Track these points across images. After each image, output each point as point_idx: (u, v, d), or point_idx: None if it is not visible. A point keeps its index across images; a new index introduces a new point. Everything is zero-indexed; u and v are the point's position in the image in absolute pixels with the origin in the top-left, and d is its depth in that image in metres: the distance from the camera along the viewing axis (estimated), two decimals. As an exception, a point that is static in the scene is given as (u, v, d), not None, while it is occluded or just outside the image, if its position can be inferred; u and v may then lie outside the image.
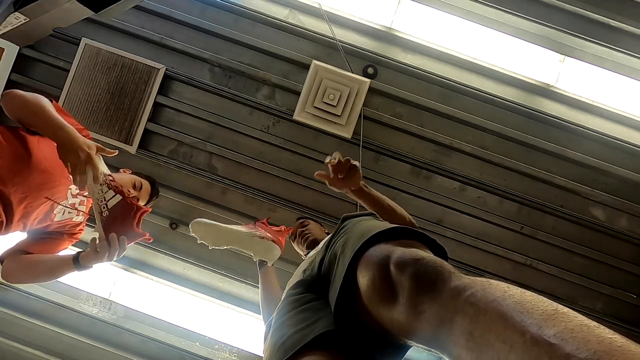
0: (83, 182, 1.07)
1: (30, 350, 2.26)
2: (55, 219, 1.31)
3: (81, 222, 1.42)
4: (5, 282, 1.76)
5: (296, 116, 2.26)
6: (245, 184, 2.30)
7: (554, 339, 0.37)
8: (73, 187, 1.30)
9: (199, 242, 1.42)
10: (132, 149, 2.26)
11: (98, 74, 2.24)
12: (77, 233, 1.43)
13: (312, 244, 1.54)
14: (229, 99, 2.30)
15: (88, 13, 1.48)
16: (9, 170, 1.14)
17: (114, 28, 2.29)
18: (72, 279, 2.27)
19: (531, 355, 0.38)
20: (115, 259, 1.15)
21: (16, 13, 1.37)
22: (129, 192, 1.47)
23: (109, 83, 2.24)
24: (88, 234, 1.43)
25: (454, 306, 0.50)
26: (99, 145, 1.14)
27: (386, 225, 0.82)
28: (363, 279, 0.66)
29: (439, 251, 0.74)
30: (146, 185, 1.56)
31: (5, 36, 1.49)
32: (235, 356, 2.28)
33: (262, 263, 1.51)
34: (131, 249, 2.28)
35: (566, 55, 2.26)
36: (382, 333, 0.64)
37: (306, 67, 2.23)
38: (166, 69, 2.25)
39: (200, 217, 1.47)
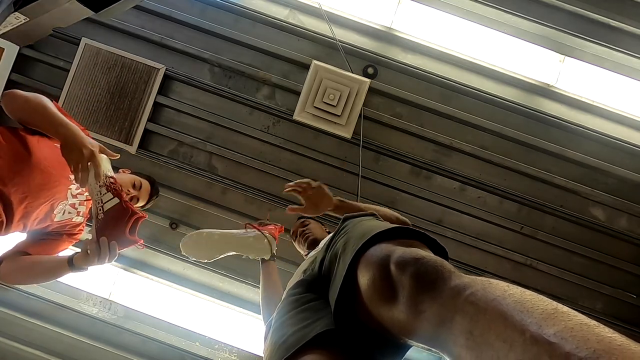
0: (85, 180, 1.07)
1: (30, 350, 2.26)
2: (55, 219, 1.30)
3: (81, 223, 1.42)
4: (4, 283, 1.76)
5: (296, 116, 2.26)
6: (245, 184, 2.30)
7: (554, 337, 0.37)
8: (73, 187, 1.30)
9: (193, 259, 1.40)
10: (132, 149, 2.26)
11: (98, 74, 2.24)
12: (76, 234, 1.43)
13: (312, 244, 1.54)
14: (229, 99, 2.30)
15: (88, 13, 1.48)
16: (9, 170, 1.14)
17: (114, 28, 2.29)
18: (72, 279, 2.28)
19: (531, 354, 0.38)
20: (106, 263, 1.12)
21: (16, 13, 1.37)
22: (129, 192, 1.48)
23: (109, 83, 2.24)
24: (87, 234, 1.43)
25: (454, 305, 0.50)
26: (101, 146, 1.14)
27: (387, 225, 0.82)
28: (363, 279, 0.66)
29: (440, 251, 0.74)
30: (146, 184, 1.56)
31: (5, 36, 1.50)
32: (235, 356, 2.28)
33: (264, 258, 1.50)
34: (131, 249, 2.28)
35: (566, 55, 2.26)
36: (382, 332, 0.64)
37: (306, 67, 2.24)
38: (166, 69, 2.25)
39: (192, 231, 1.45)
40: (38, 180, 1.19)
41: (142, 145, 2.29)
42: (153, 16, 2.29)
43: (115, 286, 2.36)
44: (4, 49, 2.24)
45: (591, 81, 2.27)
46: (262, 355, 0.95)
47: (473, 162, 2.28)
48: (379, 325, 0.64)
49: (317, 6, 2.24)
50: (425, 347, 0.57)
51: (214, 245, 1.36)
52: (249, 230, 1.44)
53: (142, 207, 1.59)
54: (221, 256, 1.39)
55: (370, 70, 2.27)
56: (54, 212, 1.28)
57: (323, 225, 1.81)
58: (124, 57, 2.24)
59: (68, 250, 1.36)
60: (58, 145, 1.09)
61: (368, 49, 2.27)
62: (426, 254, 0.61)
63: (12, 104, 1.17)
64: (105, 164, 1.13)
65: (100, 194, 1.10)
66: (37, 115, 1.15)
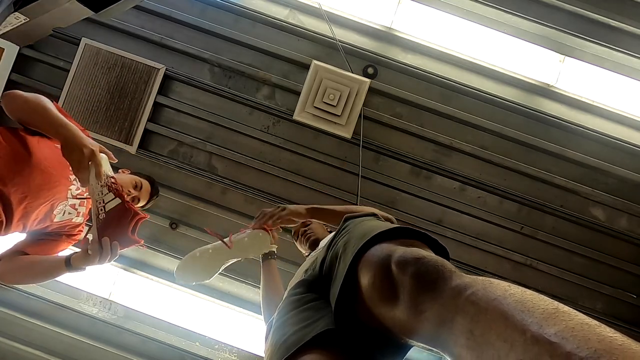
0: (86, 179, 1.07)
1: (30, 350, 2.26)
2: (55, 220, 1.30)
3: (81, 224, 1.42)
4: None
5: (296, 116, 2.26)
6: (245, 184, 2.30)
7: (555, 337, 0.37)
8: (73, 187, 1.30)
9: (194, 284, 1.37)
10: (132, 149, 2.26)
11: (98, 74, 2.24)
12: (76, 234, 1.43)
13: (314, 244, 1.54)
14: (229, 99, 2.30)
15: (88, 13, 1.48)
16: (9, 170, 1.14)
17: (114, 28, 2.29)
18: (72, 279, 2.28)
19: (532, 354, 0.38)
20: (106, 263, 1.13)
21: (16, 13, 1.37)
22: (130, 192, 1.48)
23: (109, 83, 2.24)
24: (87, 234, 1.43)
25: (455, 305, 0.50)
26: (101, 146, 1.14)
27: (388, 225, 0.82)
28: (364, 279, 0.66)
29: (441, 251, 0.74)
30: (146, 185, 1.57)
31: (5, 36, 1.49)
32: (235, 356, 2.28)
33: (265, 256, 1.48)
34: (131, 249, 2.28)
35: (566, 55, 2.26)
36: (383, 332, 0.64)
37: (306, 67, 2.24)
38: (166, 69, 2.25)
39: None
40: (38, 180, 1.19)
41: (142, 145, 2.29)
42: (153, 16, 2.29)
43: (115, 286, 2.36)
44: (4, 49, 2.24)
45: (591, 81, 2.27)
46: (263, 355, 0.95)
47: (473, 162, 2.28)
48: (380, 325, 0.64)
49: (317, 6, 2.24)
50: (426, 347, 0.57)
51: (211, 259, 1.32)
52: (239, 233, 1.41)
53: (142, 207, 1.59)
54: (221, 269, 1.35)
55: (370, 70, 2.27)
56: (54, 213, 1.28)
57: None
58: (124, 57, 2.24)
59: (67, 251, 1.36)
60: (58, 146, 1.09)
61: (368, 49, 2.27)
62: (427, 253, 0.61)
63: (12, 105, 1.17)
64: (105, 164, 1.13)
65: (102, 194, 1.10)
66: (36, 115, 1.14)
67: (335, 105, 2.22)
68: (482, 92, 2.25)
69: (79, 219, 1.39)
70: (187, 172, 2.30)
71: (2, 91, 2.24)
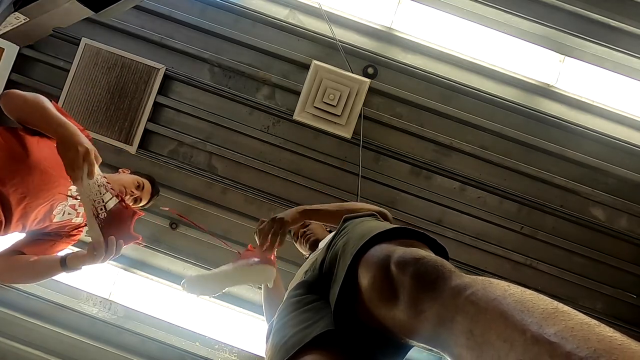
0: (78, 177, 1.07)
1: (30, 350, 2.26)
2: (55, 220, 1.30)
3: (80, 224, 1.42)
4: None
5: (296, 116, 2.26)
6: (245, 184, 2.30)
7: (555, 337, 0.37)
8: (73, 188, 1.30)
9: (199, 297, 1.41)
10: (132, 149, 2.26)
11: (98, 74, 2.24)
12: (75, 235, 1.43)
13: (314, 244, 1.54)
14: (229, 99, 2.30)
15: (88, 13, 1.48)
16: (8, 171, 1.14)
17: (114, 28, 2.29)
18: (72, 279, 2.28)
19: (532, 354, 0.38)
20: (108, 261, 1.16)
21: (16, 13, 1.37)
22: (133, 192, 1.48)
23: (109, 83, 2.24)
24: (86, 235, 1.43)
25: (455, 305, 0.50)
26: (95, 151, 1.14)
27: (387, 225, 0.82)
28: (364, 279, 0.66)
29: (440, 251, 0.74)
30: (147, 184, 1.57)
31: (5, 36, 1.49)
32: (235, 356, 2.28)
33: None
34: (131, 249, 2.28)
35: (566, 55, 2.26)
36: (383, 332, 0.64)
37: (306, 67, 2.24)
38: (166, 69, 2.25)
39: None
40: (37, 180, 1.19)
41: (142, 145, 2.29)
42: (153, 16, 2.29)
43: (115, 286, 2.36)
44: (4, 49, 2.24)
45: (591, 81, 2.27)
46: (263, 355, 0.95)
47: (473, 162, 2.28)
48: (380, 325, 0.64)
49: (317, 6, 2.24)
50: (426, 347, 0.57)
51: (220, 282, 1.38)
52: (249, 260, 1.45)
53: (142, 206, 1.60)
54: (223, 290, 1.41)
55: (370, 70, 2.27)
56: (53, 213, 1.28)
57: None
58: (124, 57, 2.24)
59: (67, 251, 1.36)
60: (58, 146, 1.09)
61: (368, 49, 2.27)
62: (426, 253, 0.61)
63: (11, 104, 1.17)
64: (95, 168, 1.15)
65: (100, 193, 1.13)
66: (35, 115, 1.15)
67: (335, 105, 2.22)
68: (482, 92, 2.25)
69: (79, 220, 1.39)
70: (187, 172, 2.30)
71: (1, 91, 2.24)
